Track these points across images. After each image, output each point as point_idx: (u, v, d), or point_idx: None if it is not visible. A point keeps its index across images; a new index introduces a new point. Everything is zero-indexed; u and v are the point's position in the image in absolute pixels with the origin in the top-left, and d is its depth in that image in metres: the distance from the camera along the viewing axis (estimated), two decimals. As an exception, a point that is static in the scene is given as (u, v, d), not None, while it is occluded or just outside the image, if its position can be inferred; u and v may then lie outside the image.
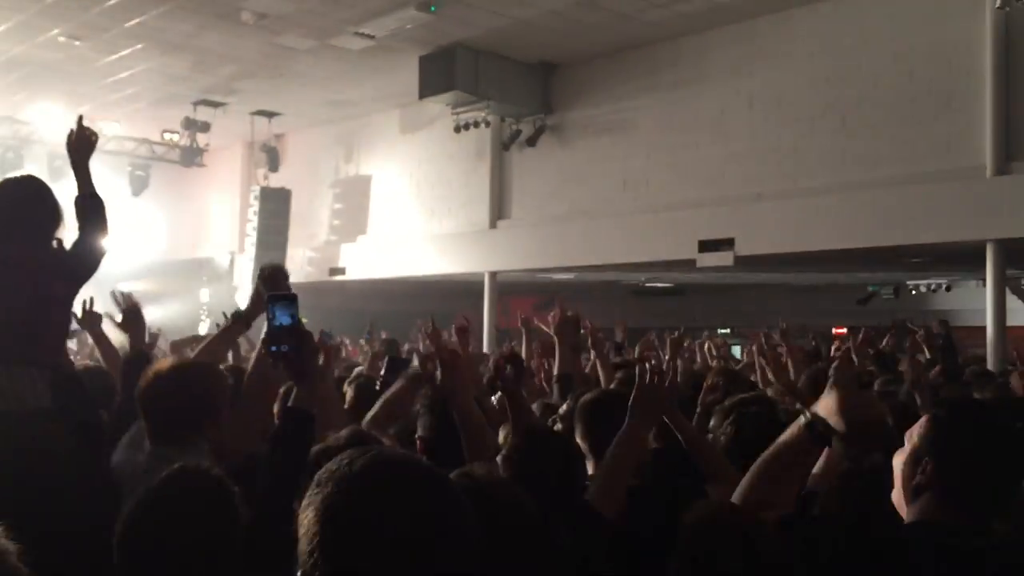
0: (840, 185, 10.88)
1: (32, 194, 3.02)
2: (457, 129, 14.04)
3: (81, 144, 3.08)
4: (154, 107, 15.82)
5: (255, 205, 16.84)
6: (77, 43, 12.95)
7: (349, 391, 4.34)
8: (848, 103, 11.04)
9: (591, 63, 13.62)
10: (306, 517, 1.24)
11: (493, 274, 14.71)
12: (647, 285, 18.52)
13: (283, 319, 2.35)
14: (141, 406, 2.74)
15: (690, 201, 12.24)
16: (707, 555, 1.88)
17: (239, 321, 2.82)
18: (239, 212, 18.33)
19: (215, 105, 16.03)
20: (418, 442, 3.17)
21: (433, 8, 11.51)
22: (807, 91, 11.41)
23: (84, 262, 3.07)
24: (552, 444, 2.66)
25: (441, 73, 13.06)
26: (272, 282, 3.05)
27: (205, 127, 16.32)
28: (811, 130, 11.35)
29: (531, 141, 14.21)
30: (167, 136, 16.55)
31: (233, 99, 15.81)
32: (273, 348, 2.33)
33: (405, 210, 16.26)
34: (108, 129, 16.26)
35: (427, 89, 13.28)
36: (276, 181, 17.29)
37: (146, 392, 2.72)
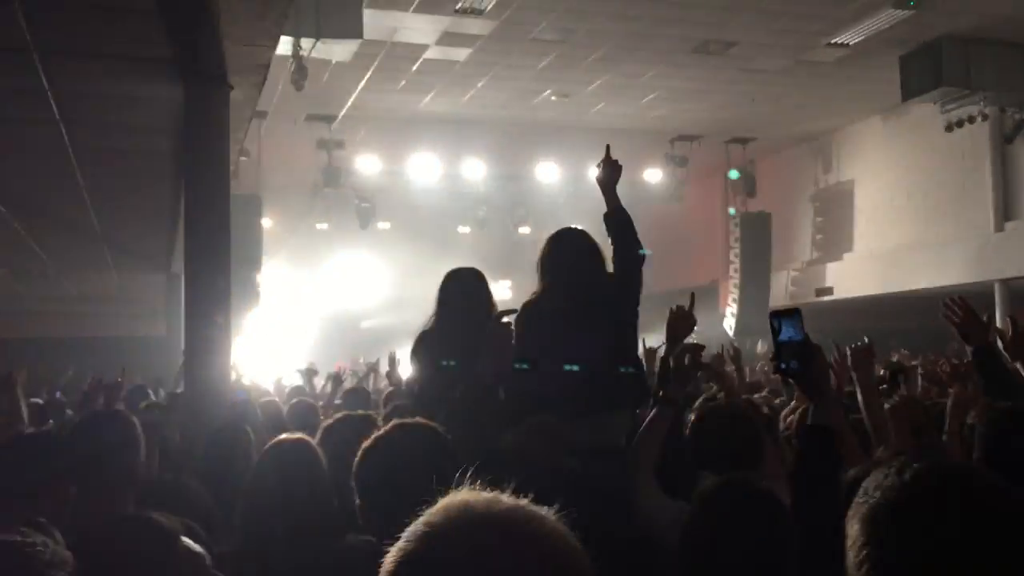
0: None
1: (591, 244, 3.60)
2: (949, 127, 12.94)
3: (609, 171, 3.65)
4: (635, 149, 16.71)
5: (735, 232, 17.01)
6: (566, 99, 14.22)
7: None
8: None
9: (1113, 29, 11.72)
10: (852, 528, 1.21)
11: (1004, 282, 13.21)
12: None
13: (790, 334, 2.25)
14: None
15: None
16: None
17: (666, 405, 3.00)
18: (721, 240, 18.60)
19: (691, 139, 16.52)
20: None
21: (912, 2, 10.75)
22: None
23: (632, 276, 3.52)
24: None
25: (926, 70, 12.15)
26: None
27: (683, 161, 16.84)
28: None
29: (1040, 129, 12.62)
30: (647, 174, 17.29)
31: (709, 130, 16.16)
32: (783, 365, 2.25)
33: (893, 220, 15.33)
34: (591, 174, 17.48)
35: (911, 89, 12.44)
36: (754, 206, 17.29)
37: None
